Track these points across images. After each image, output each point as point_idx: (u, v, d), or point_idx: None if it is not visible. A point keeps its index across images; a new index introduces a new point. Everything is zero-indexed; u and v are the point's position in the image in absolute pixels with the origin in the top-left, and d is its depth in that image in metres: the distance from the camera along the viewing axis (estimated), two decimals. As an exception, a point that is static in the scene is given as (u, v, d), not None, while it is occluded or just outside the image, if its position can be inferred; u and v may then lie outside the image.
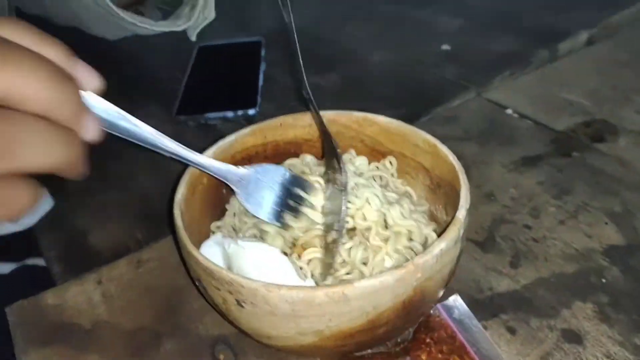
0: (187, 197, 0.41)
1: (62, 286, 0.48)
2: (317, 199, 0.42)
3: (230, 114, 0.68)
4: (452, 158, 0.42)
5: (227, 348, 0.42)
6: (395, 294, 0.33)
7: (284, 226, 0.41)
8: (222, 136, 0.68)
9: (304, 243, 0.41)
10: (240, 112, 0.68)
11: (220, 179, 0.42)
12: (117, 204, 0.58)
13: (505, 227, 0.50)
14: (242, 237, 0.41)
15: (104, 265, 0.49)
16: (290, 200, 0.42)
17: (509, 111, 0.65)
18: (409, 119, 0.65)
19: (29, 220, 0.56)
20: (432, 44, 0.84)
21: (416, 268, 0.33)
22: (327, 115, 0.48)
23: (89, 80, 0.31)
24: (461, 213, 0.36)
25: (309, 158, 0.48)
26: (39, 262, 0.56)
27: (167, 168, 0.63)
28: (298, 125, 0.48)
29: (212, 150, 0.45)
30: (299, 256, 0.40)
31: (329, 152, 0.44)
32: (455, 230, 0.35)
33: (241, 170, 0.42)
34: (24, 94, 0.25)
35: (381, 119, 0.47)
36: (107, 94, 0.83)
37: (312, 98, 0.44)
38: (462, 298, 0.43)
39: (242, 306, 0.34)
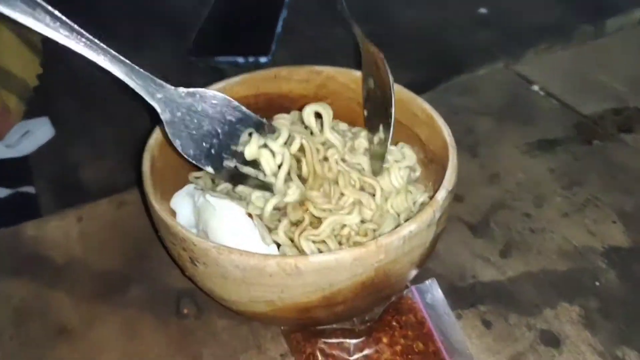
0: (163, 142, 0.39)
1: (43, 219, 0.48)
2: (276, 144, 0.37)
3: (241, 59, 0.65)
4: (446, 133, 0.38)
5: (192, 303, 0.41)
6: (353, 273, 0.31)
7: (220, 175, 0.37)
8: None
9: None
10: (251, 59, 0.65)
11: (137, 90, 0.33)
12: (112, 142, 0.57)
13: (503, 212, 0.46)
14: (214, 192, 0.39)
15: (87, 203, 0.49)
16: (233, 146, 0.37)
17: (536, 87, 0.60)
18: (426, 84, 0.62)
19: (26, 147, 0.56)
20: (468, 5, 0.77)
21: (378, 249, 0.30)
22: (325, 71, 0.45)
23: None
24: (440, 194, 0.33)
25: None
26: (32, 190, 0.56)
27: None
28: (293, 79, 0.45)
29: (197, 97, 0.42)
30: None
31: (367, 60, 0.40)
32: (429, 212, 0.32)
33: (168, 87, 0.33)
34: None
35: (381, 83, 0.43)
36: (123, 22, 0.81)
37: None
38: (442, 282, 0.41)
39: (195, 265, 0.33)
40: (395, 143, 0.44)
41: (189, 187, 0.40)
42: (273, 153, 0.38)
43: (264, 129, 0.38)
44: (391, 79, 0.37)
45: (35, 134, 0.56)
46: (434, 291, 0.39)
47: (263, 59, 0.65)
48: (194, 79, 0.65)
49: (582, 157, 0.51)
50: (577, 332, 0.38)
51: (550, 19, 0.73)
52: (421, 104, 0.41)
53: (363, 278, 0.31)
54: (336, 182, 0.38)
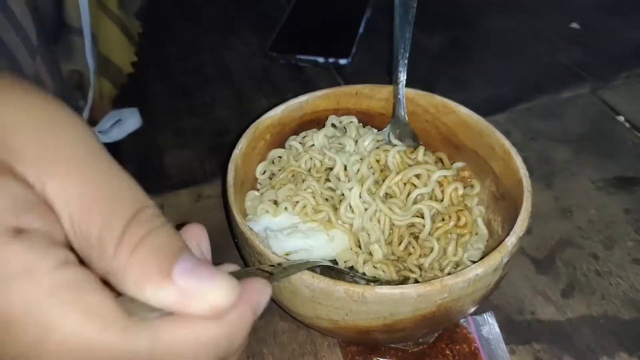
0: (246, 152, 0.42)
1: (129, 202, 0.52)
2: None
3: (321, 59, 0.67)
4: (522, 172, 0.38)
5: (256, 301, 0.43)
6: (416, 307, 0.32)
7: None
8: (309, 81, 0.68)
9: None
10: (331, 60, 0.67)
11: None
12: (195, 132, 0.61)
13: (570, 250, 0.46)
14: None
15: (169, 192, 0.52)
16: None
17: (621, 118, 0.58)
18: (507, 103, 0.61)
19: (116, 135, 0.60)
20: (560, 19, 0.75)
21: (443, 288, 0.32)
22: (406, 93, 0.46)
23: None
24: (510, 240, 0.34)
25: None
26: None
27: (249, 103, 0.65)
28: (375, 97, 0.46)
29: (280, 108, 0.44)
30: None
31: None
32: (497, 258, 0.33)
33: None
34: None
35: (461, 110, 0.44)
36: (217, 13, 0.84)
37: None
38: (499, 314, 0.41)
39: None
40: (464, 171, 0.44)
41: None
42: None
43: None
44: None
45: (125, 123, 0.60)
46: (491, 324, 0.40)
47: (343, 61, 0.66)
48: (273, 74, 0.68)
49: (661, 200, 0.49)
50: (633, 385, 0.38)
51: (648, 40, 0.69)
52: (499, 139, 0.41)
53: (425, 312, 0.33)
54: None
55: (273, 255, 0.33)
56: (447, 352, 0.38)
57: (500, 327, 0.40)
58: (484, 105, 0.59)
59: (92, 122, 0.60)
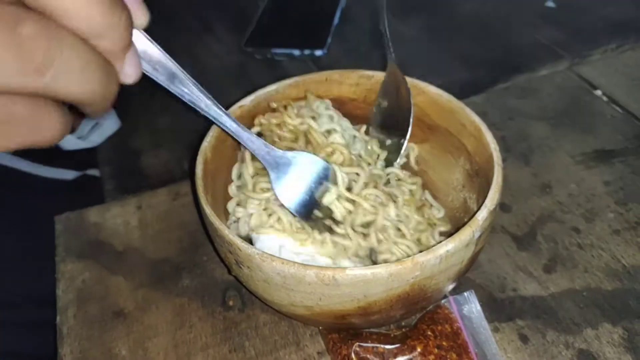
0: (215, 145, 0.41)
1: (105, 205, 0.51)
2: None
3: (296, 52, 0.66)
4: (493, 147, 0.38)
5: (237, 295, 0.43)
6: (388, 287, 0.32)
7: (307, 223, 0.38)
8: (285, 75, 0.67)
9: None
10: (307, 52, 0.66)
11: (257, 157, 0.38)
12: (172, 131, 0.60)
13: (551, 225, 0.46)
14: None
15: (146, 191, 0.52)
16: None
17: (599, 92, 0.58)
18: (484, 84, 0.61)
19: (95, 139, 0.59)
20: (535, -1, 0.75)
21: (414, 266, 0.31)
22: (376, 76, 0.45)
23: (136, 14, 0.25)
24: (481, 215, 0.33)
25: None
26: (97, 173, 0.60)
27: (226, 101, 0.64)
28: (345, 82, 0.46)
29: (250, 98, 0.44)
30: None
31: None
32: (468, 233, 0.32)
33: (280, 153, 0.38)
34: (67, 6, 0.20)
35: (431, 90, 0.43)
36: (190, 11, 0.83)
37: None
38: (481, 293, 0.41)
39: (240, 267, 0.35)
40: (441, 151, 0.44)
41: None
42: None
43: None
44: (412, 105, 0.42)
45: (103, 126, 0.60)
46: (472, 303, 0.40)
47: (318, 52, 0.66)
48: (249, 69, 0.68)
49: (641, 170, 0.49)
50: (618, 355, 0.37)
51: (624, 15, 0.69)
52: (469, 115, 0.40)
53: (398, 292, 0.32)
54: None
55: (243, 244, 0.33)
56: (429, 333, 0.38)
57: (482, 305, 0.40)
58: (461, 88, 0.59)
59: (71, 129, 0.60)
